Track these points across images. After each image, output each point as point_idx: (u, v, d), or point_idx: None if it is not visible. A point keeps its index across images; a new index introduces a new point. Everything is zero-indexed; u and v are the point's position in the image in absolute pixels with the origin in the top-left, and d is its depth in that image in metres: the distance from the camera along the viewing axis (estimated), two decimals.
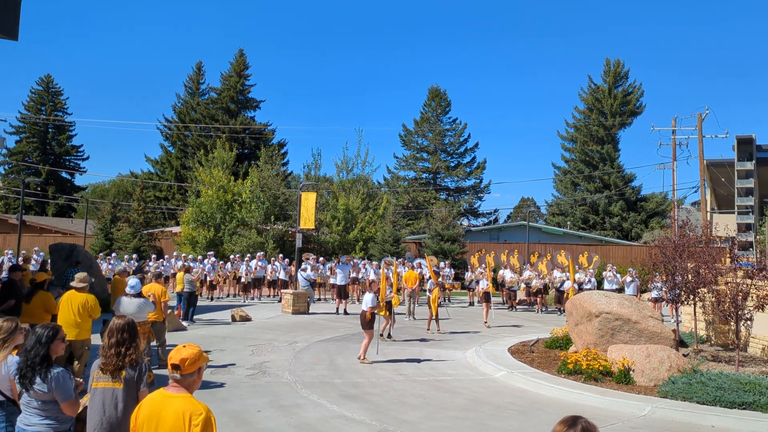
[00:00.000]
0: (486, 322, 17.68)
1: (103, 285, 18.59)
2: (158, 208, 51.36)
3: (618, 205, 50.61)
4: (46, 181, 59.08)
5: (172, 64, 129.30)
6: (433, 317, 16.14)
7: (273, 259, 24.73)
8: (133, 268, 22.24)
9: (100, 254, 28.83)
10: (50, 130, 62.54)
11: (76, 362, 8.57)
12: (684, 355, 11.55)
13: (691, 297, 12.70)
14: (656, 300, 19.77)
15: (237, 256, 25.44)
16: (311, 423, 7.76)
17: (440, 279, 21.04)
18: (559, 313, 21.50)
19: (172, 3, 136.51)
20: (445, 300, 23.06)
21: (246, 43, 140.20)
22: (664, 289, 14.34)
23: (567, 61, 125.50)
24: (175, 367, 3.37)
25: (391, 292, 14.25)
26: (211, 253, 25.61)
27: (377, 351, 12.47)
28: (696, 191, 41.57)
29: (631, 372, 10.14)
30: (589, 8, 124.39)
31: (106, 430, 4.17)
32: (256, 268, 23.69)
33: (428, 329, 16.12)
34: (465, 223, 51.55)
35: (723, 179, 44.03)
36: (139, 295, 9.88)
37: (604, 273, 22.32)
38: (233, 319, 17.15)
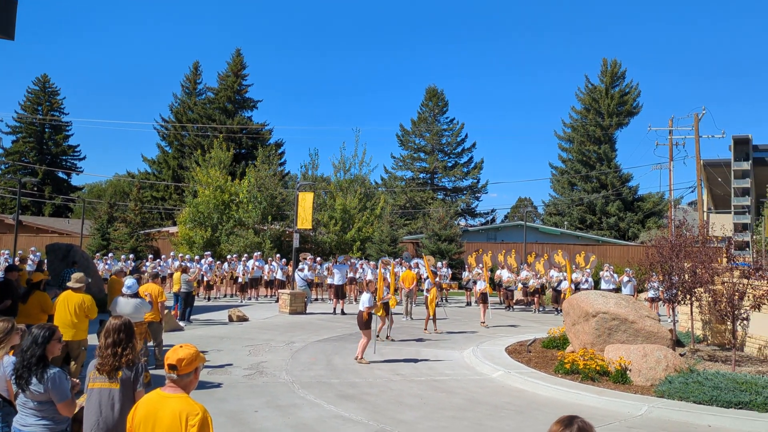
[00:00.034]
0: (483, 322, 17.69)
1: (99, 285, 18.55)
2: (155, 208, 51.32)
3: (615, 205, 50.72)
4: (43, 181, 58.95)
5: (169, 64, 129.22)
6: (431, 317, 16.15)
7: (270, 259, 24.70)
8: (130, 268, 22.21)
9: (97, 254, 28.81)
10: (47, 129, 62.43)
11: (72, 363, 8.55)
12: (681, 355, 11.57)
13: (688, 297, 12.72)
14: (653, 300, 19.82)
15: (234, 256, 25.41)
16: (308, 423, 7.76)
17: (437, 279, 21.04)
18: (556, 312, 21.53)
19: (169, 3, 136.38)
20: (442, 300, 23.06)
21: (243, 43, 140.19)
22: (660, 288, 14.38)
23: (564, 61, 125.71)
24: (172, 367, 3.37)
25: (388, 293, 14.26)
26: (208, 253, 25.58)
27: (374, 351, 12.47)
28: (693, 191, 41.68)
29: (628, 372, 10.15)
30: (586, 9, 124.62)
31: (102, 431, 4.16)
32: (253, 268, 23.67)
33: (425, 329, 16.12)
34: (462, 223, 51.55)
35: (720, 179, 44.17)
36: (136, 295, 9.86)
37: (601, 273, 22.36)
38: (230, 320, 17.14)
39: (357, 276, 23.27)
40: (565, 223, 52.88)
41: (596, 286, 22.59)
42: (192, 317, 17.22)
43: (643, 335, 11.19)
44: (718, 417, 8.26)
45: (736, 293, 10.95)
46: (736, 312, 11.02)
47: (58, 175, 63.26)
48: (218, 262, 24.69)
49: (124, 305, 9.60)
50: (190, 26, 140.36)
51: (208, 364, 10.85)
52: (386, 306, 14.04)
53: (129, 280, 9.94)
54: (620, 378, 10.04)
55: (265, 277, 24.08)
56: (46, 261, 18.95)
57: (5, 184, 58.02)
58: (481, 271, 21.10)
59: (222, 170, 32.95)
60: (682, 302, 13.04)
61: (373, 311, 12.14)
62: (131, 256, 27.94)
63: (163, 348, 10.73)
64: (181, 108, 56.72)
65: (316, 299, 24.20)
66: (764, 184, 42.12)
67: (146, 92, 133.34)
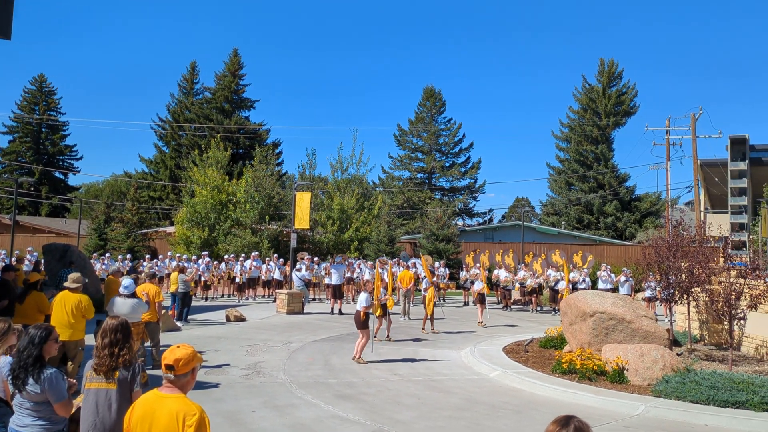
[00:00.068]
0: (481, 322, 17.70)
1: (96, 285, 18.53)
2: (152, 208, 51.25)
3: (612, 205, 50.79)
4: (40, 180, 58.81)
5: (167, 64, 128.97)
6: (429, 317, 16.16)
7: (268, 259, 24.68)
8: (127, 268, 22.19)
9: (94, 254, 28.73)
10: (44, 129, 62.31)
11: (69, 363, 8.53)
12: (678, 355, 11.59)
13: (685, 296, 12.75)
14: (650, 299, 19.85)
15: (231, 256, 25.39)
16: (306, 423, 7.76)
17: (435, 279, 21.05)
18: (553, 312, 21.55)
19: (167, 2, 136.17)
20: (440, 300, 23.07)
21: (240, 43, 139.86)
22: (657, 288, 14.39)
23: (562, 61, 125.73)
24: (169, 367, 3.37)
25: (385, 293, 14.26)
26: (206, 253, 25.55)
27: (372, 350, 12.47)
28: (690, 191, 41.73)
29: (625, 371, 10.17)
30: (584, 9, 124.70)
31: (99, 431, 4.15)
32: (250, 268, 23.64)
33: (423, 329, 16.13)
34: (460, 223, 51.58)
35: (716, 179, 44.23)
36: (133, 295, 9.86)
37: (598, 273, 22.39)
38: (228, 320, 17.12)
39: (355, 276, 23.27)
40: (563, 223, 52.94)
41: (593, 285, 22.61)
42: (189, 317, 17.21)
43: (640, 335, 11.21)
44: (715, 416, 8.28)
45: (733, 293, 10.98)
46: (733, 312, 11.04)
47: (55, 175, 63.14)
48: (215, 262, 24.67)
49: (121, 305, 9.59)
50: (188, 26, 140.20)
51: (206, 364, 10.84)
52: (384, 306, 14.05)
53: (126, 280, 9.93)
54: (617, 378, 10.06)
55: (263, 277, 24.06)
56: (43, 261, 18.94)
57: (2, 184, 57.89)
58: (478, 271, 21.11)
59: (219, 170, 32.91)
60: (679, 302, 13.07)
61: (370, 311, 12.15)
62: (128, 256, 27.89)
63: (161, 348, 10.72)
64: (179, 108, 56.65)
65: (314, 299, 24.20)
66: (761, 184, 42.20)
67: (143, 92, 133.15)
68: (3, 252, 26.43)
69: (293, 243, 21.76)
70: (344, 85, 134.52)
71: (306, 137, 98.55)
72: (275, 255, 25.18)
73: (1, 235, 38.00)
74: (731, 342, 11.46)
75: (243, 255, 25.36)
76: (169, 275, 21.22)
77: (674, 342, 13.04)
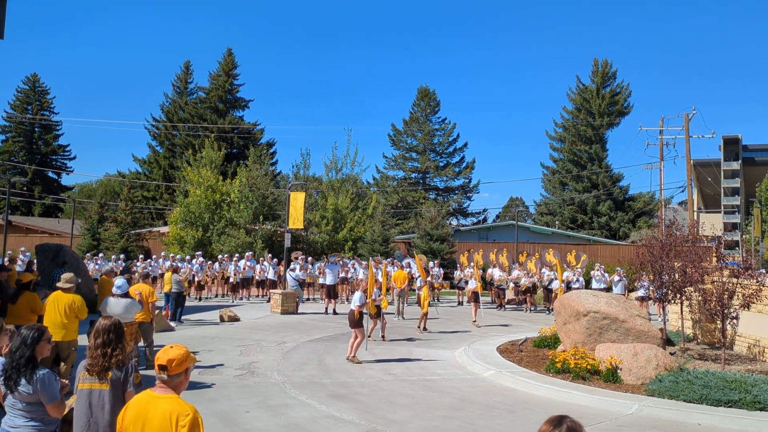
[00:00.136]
0: (475, 322, 17.72)
1: (90, 285, 18.44)
2: (146, 208, 51.10)
3: (606, 205, 50.97)
4: (33, 180, 58.57)
5: (160, 64, 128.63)
6: (425, 315, 16.17)
7: (262, 259, 24.65)
8: (121, 268, 22.07)
9: (87, 254, 28.64)
10: (36, 129, 62.04)
11: (62, 363, 8.50)
12: (671, 354, 11.64)
13: (678, 296, 12.81)
14: (643, 299, 19.91)
15: (225, 256, 25.33)
16: (300, 423, 7.74)
17: (429, 278, 21.06)
18: (547, 312, 21.59)
19: (160, 2, 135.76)
20: (434, 299, 23.08)
21: (234, 43, 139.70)
22: (651, 288, 14.46)
23: (556, 61, 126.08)
24: (162, 367, 3.36)
25: (380, 293, 14.25)
26: (199, 253, 25.49)
27: (366, 349, 12.46)
28: (683, 191, 41.94)
29: (618, 371, 10.20)
30: (578, 9, 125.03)
31: None
32: (244, 268, 23.60)
33: (419, 328, 16.14)
34: (454, 222, 51.65)
35: (710, 179, 44.47)
36: (126, 295, 9.82)
37: (592, 272, 22.44)
38: (221, 320, 17.08)
39: (349, 276, 23.26)
40: (557, 222, 53.09)
41: (587, 285, 22.67)
42: (183, 317, 17.16)
43: (633, 334, 11.25)
44: (707, 415, 8.31)
45: (726, 292, 11.03)
46: (725, 311, 11.09)
47: (48, 174, 62.90)
48: (209, 262, 24.61)
49: (115, 305, 9.55)
50: (182, 25, 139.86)
51: (199, 364, 10.81)
52: (378, 307, 14.04)
53: (119, 281, 9.89)
54: (611, 377, 10.09)
55: (257, 277, 24.02)
56: (35, 261, 18.83)
57: None
58: (472, 271, 21.13)
59: (213, 170, 32.84)
60: (673, 301, 13.12)
61: (364, 310, 12.14)
62: (122, 256, 27.80)
63: (154, 348, 10.69)
64: (172, 107, 56.52)
65: (308, 299, 24.17)
66: (753, 183, 42.45)
67: (137, 92, 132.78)
68: None
69: (287, 243, 21.73)
70: (339, 84, 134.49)
71: (300, 137, 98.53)
72: (269, 255, 25.14)
73: None
74: (724, 341, 11.52)
75: (237, 255, 25.31)
76: (162, 275, 21.19)
77: (667, 341, 13.09)
